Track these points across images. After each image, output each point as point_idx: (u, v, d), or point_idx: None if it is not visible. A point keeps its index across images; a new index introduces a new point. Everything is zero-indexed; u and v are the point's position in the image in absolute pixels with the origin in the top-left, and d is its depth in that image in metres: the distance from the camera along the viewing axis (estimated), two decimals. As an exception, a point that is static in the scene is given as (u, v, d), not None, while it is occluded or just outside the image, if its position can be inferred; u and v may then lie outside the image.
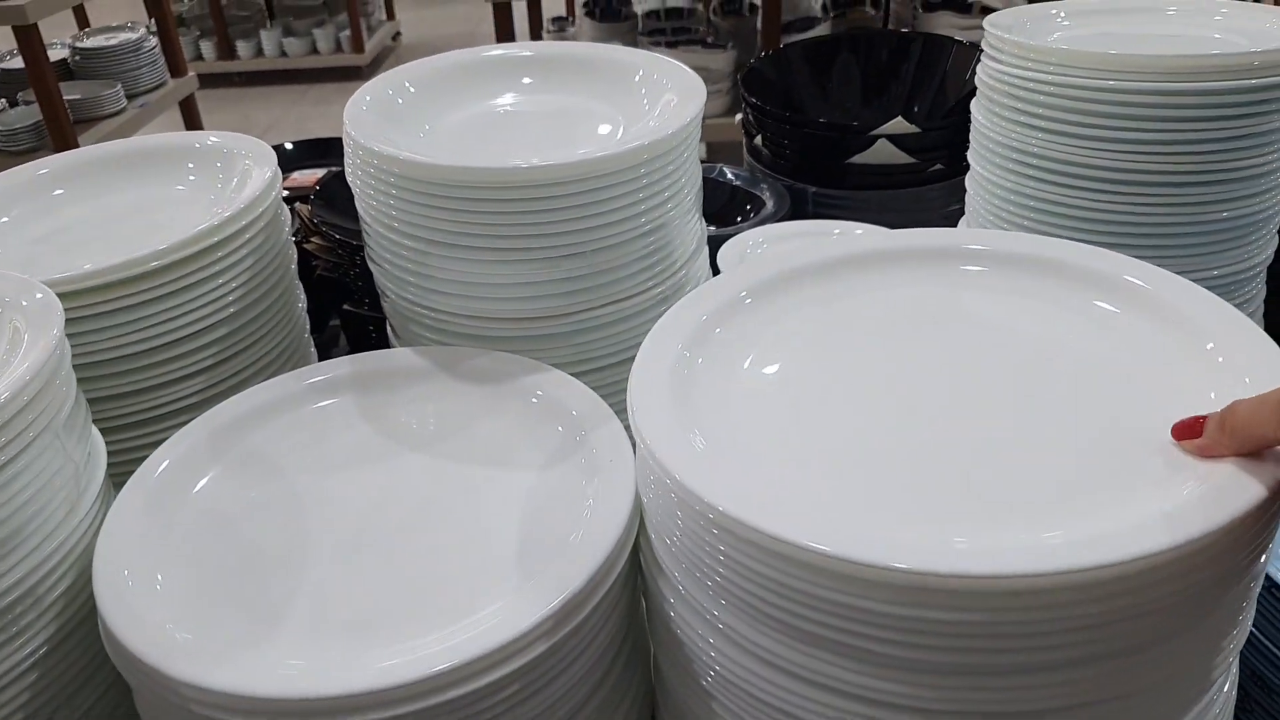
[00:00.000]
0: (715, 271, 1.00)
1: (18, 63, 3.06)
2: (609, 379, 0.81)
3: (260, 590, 0.60)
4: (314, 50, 5.28)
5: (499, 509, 0.65)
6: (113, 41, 3.36)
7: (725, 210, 1.30)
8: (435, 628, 0.56)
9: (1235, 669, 0.61)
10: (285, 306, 0.89)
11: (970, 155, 1.01)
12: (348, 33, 5.22)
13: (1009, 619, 0.47)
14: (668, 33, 2.97)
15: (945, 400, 0.59)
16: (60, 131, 2.85)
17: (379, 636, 0.56)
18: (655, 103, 0.86)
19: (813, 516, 0.48)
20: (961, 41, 1.44)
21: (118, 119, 3.18)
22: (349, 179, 0.83)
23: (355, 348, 1.16)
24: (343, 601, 0.59)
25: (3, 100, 3.12)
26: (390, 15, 5.84)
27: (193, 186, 0.92)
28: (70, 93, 3.07)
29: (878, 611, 0.48)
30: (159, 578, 0.60)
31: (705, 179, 0.89)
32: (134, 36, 3.40)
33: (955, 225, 1.09)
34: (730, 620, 0.54)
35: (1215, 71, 0.81)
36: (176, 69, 3.58)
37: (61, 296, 0.66)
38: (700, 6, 3.24)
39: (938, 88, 1.44)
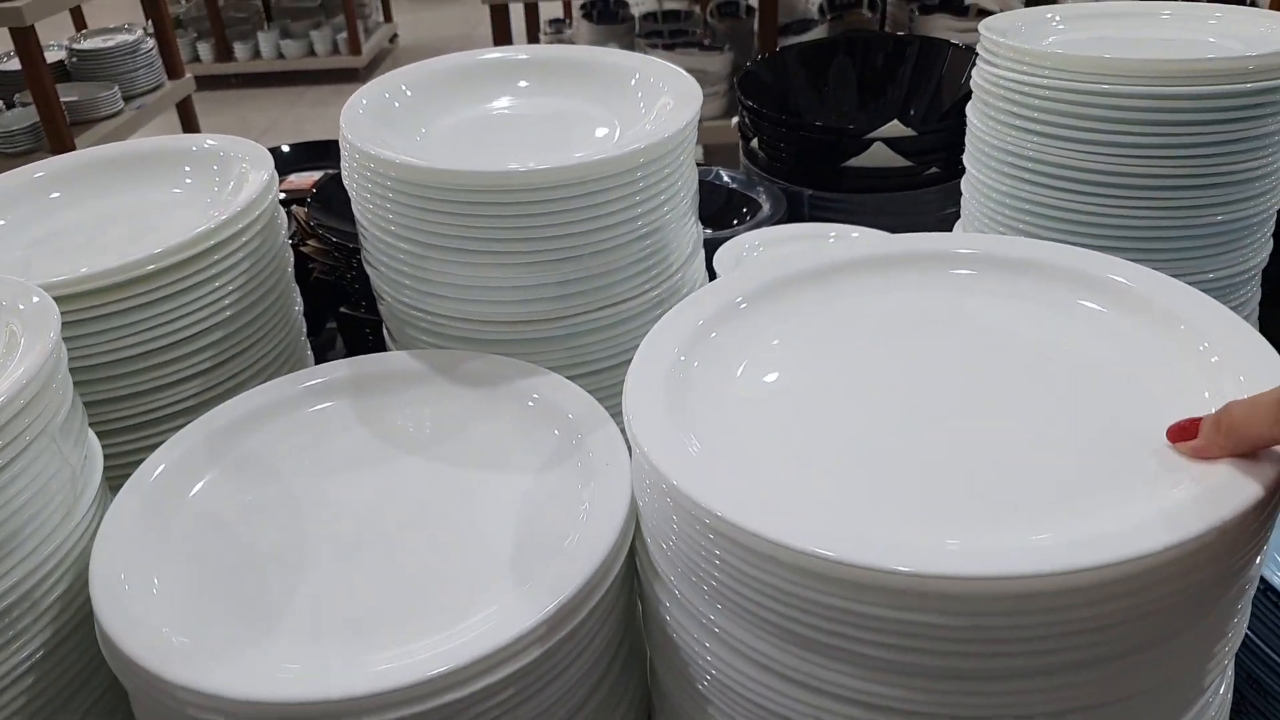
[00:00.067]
0: (712, 275, 1.00)
1: (15, 64, 3.05)
2: (605, 382, 0.81)
3: (257, 593, 0.60)
4: (311, 52, 5.28)
5: (495, 512, 0.65)
6: (110, 43, 3.36)
7: (721, 213, 1.30)
8: (431, 631, 0.56)
9: (1231, 672, 0.61)
10: (282, 310, 0.89)
11: (966, 159, 1.01)
12: (345, 35, 5.22)
13: (1005, 622, 0.47)
14: (665, 35, 2.97)
15: (941, 404, 0.59)
16: (57, 133, 2.85)
17: (375, 640, 0.56)
18: (651, 106, 0.87)
19: (808, 520, 0.48)
20: (958, 45, 1.44)
21: (115, 121, 3.18)
22: (345, 182, 0.83)
23: (352, 350, 1.16)
24: (339, 604, 0.59)
25: (0, 102, 3.12)
26: (387, 17, 5.84)
27: (189, 190, 0.92)
28: (67, 94, 3.07)
29: (874, 616, 0.48)
30: (155, 581, 0.60)
31: (701, 182, 0.89)
32: (131, 38, 3.39)
33: (951, 228, 1.09)
34: (726, 624, 0.54)
35: (1210, 75, 0.82)
36: (174, 71, 3.58)
37: (58, 299, 0.66)
38: (697, 9, 3.24)
39: (934, 91, 1.44)
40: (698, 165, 0.90)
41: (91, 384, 0.76)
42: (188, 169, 0.94)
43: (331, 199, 1.15)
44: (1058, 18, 1.02)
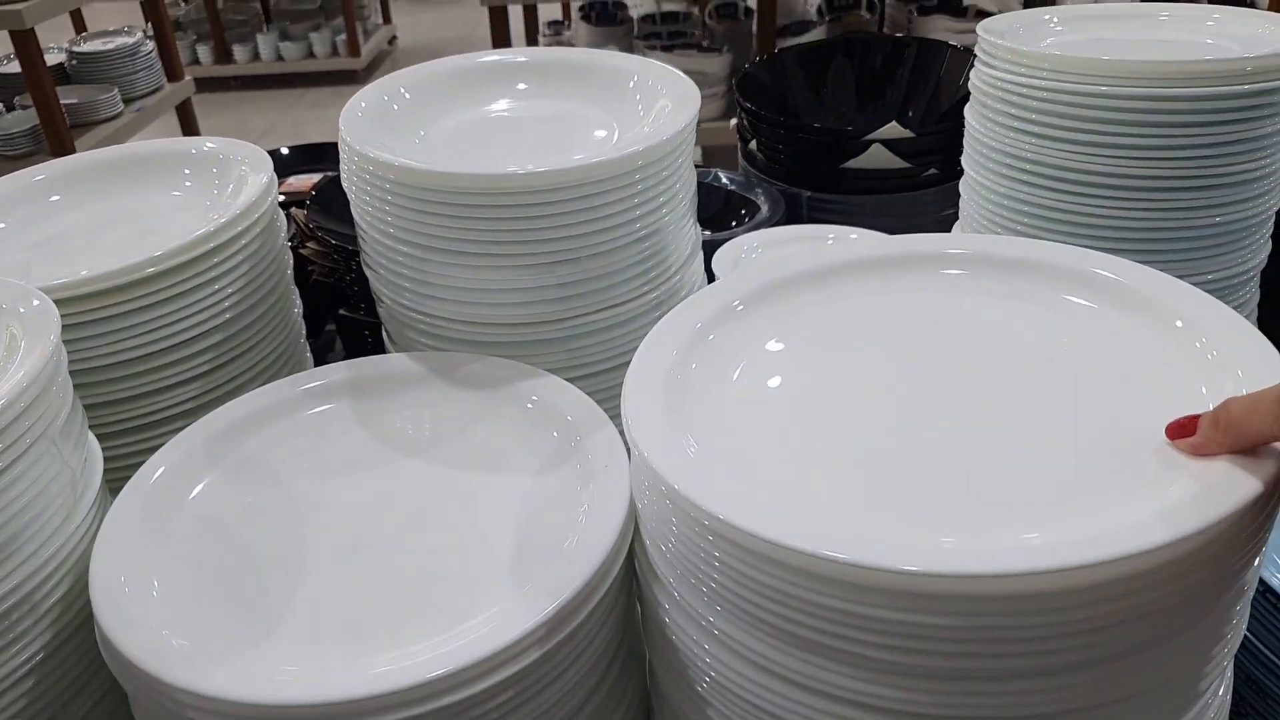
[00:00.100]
0: (710, 276, 1.00)
1: (14, 67, 3.05)
2: (604, 384, 0.81)
3: (256, 596, 0.60)
4: (310, 54, 5.28)
5: (494, 514, 0.65)
6: (109, 46, 3.36)
7: (720, 215, 1.30)
8: (430, 633, 0.56)
9: (1230, 673, 0.61)
10: (281, 312, 0.89)
11: (964, 160, 1.01)
12: (344, 37, 5.22)
13: (1004, 623, 0.47)
14: (663, 36, 2.97)
15: (939, 404, 0.59)
16: (57, 136, 2.85)
17: (374, 642, 0.56)
18: (650, 108, 0.87)
19: (807, 521, 0.49)
20: (956, 46, 1.44)
21: (114, 123, 3.18)
22: (344, 185, 0.84)
23: (351, 352, 1.16)
24: (339, 607, 0.59)
25: (0, 104, 3.12)
26: (386, 19, 5.84)
27: (189, 192, 0.93)
28: (67, 97, 3.07)
29: (872, 617, 0.48)
30: (155, 583, 0.60)
31: (700, 184, 0.89)
32: (131, 41, 3.39)
33: (949, 230, 1.09)
34: (725, 626, 0.55)
35: (1208, 77, 0.82)
36: (173, 73, 3.58)
37: (58, 302, 0.67)
38: (695, 10, 3.24)
39: (932, 93, 1.44)
40: (696, 167, 0.90)
41: (91, 386, 0.76)
42: (187, 172, 0.94)
43: (331, 201, 1.15)
44: (1055, 19, 1.02)
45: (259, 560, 0.63)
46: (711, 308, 0.67)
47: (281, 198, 0.90)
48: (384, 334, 0.92)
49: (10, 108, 3.12)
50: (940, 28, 2.79)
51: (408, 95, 0.91)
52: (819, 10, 3.12)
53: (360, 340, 1.12)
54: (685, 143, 0.81)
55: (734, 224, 1.27)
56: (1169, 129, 0.84)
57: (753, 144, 1.37)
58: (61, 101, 2.92)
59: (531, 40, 3.35)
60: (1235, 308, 0.92)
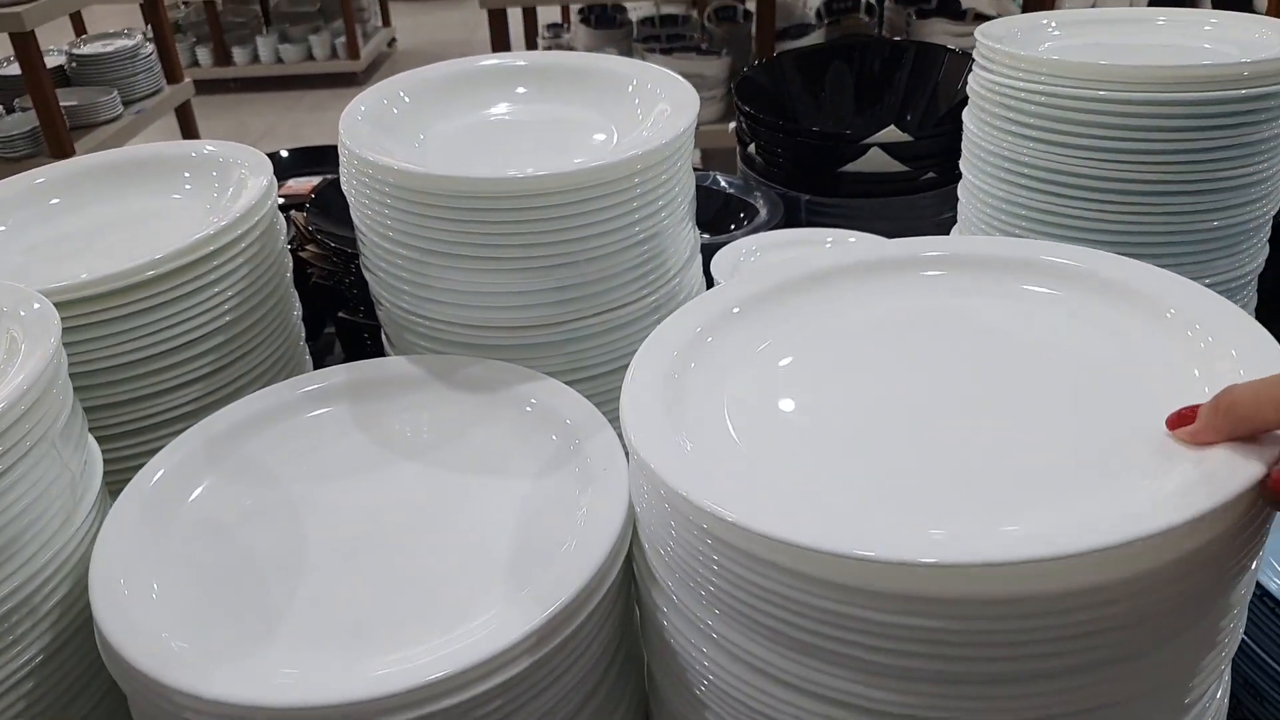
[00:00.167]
0: (709, 280, 1.00)
1: (14, 69, 3.05)
2: (603, 387, 0.81)
3: (255, 598, 0.60)
4: (310, 56, 5.29)
5: (493, 517, 0.65)
6: (109, 48, 3.36)
7: (719, 218, 1.30)
8: (429, 636, 0.56)
9: (1227, 676, 0.61)
10: (281, 315, 0.89)
11: (962, 164, 1.01)
12: (343, 39, 5.22)
13: (1002, 625, 0.47)
14: (662, 39, 2.98)
15: (937, 403, 0.59)
16: (56, 138, 2.85)
17: (373, 645, 0.56)
18: (649, 112, 0.87)
19: (805, 518, 0.48)
20: (954, 50, 1.44)
21: (114, 125, 3.18)
22: (344, 188, 0.84)
23: (350, 355, 1.16)
24: (337, 610, 0.59)
25: (0, 106, 3.12)
26: (386, 22, 5.84)
27: (189, 195, 0.93)
28: (67, 99, 3.07)
29: (870, 620, 0.48)
30: (155, 586, 0.60)
31: (698, 187, 0.89)
32: (130, 43, 3.39)
33: (948, 233, 1.09)
34: (724, 629, 0.55)
35: (1205, 81, 0.82)
36: (173, 75, 3.58)
37: (57, 305, 0.67)
38: (695, 13, 3.25)
39: (930, 96, 1.44)
40: (695, 170, 0.90)
41: (91, 389, 0.77)
42: (187, 175, 0.94)
43: (330, 204, 1.15)
44: (1053, 24, 1.02)
45: (258, 563, 0.63)
46: (710, 311, 0.67)
47: (281, 200, 0.90)
48: (383, 337, 0.92)
49: (10, 110, 3.12)
50: (939, 31, 2.80)
51: (407, 99, 0.91)
52: (818, 13, 3.13)
53: (359, 343, 1.12)
54: (684, 147, 0.81)
55: (733, 227, 1.28)
56: (1166, 134, 0.84)
57: (751, 147, 1.38)
58: (61, 103, 2.93)
59: (531, 43, 3.35)
60: (1233, 312, 0.93)
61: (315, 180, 1.41)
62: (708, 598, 0.55)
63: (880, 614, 0.48)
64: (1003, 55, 0.90)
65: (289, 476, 0.70)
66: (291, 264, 0.93)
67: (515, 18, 2.97)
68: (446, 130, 0.90)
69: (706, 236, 1.13)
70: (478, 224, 0.75)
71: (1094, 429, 0.55)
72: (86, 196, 0.94)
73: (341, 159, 0.82)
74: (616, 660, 0.64)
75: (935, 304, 0.68)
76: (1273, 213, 0.92)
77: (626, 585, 0.63)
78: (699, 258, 0.92)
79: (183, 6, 5.43)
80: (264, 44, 5.24)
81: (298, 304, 0.95)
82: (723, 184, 1.35)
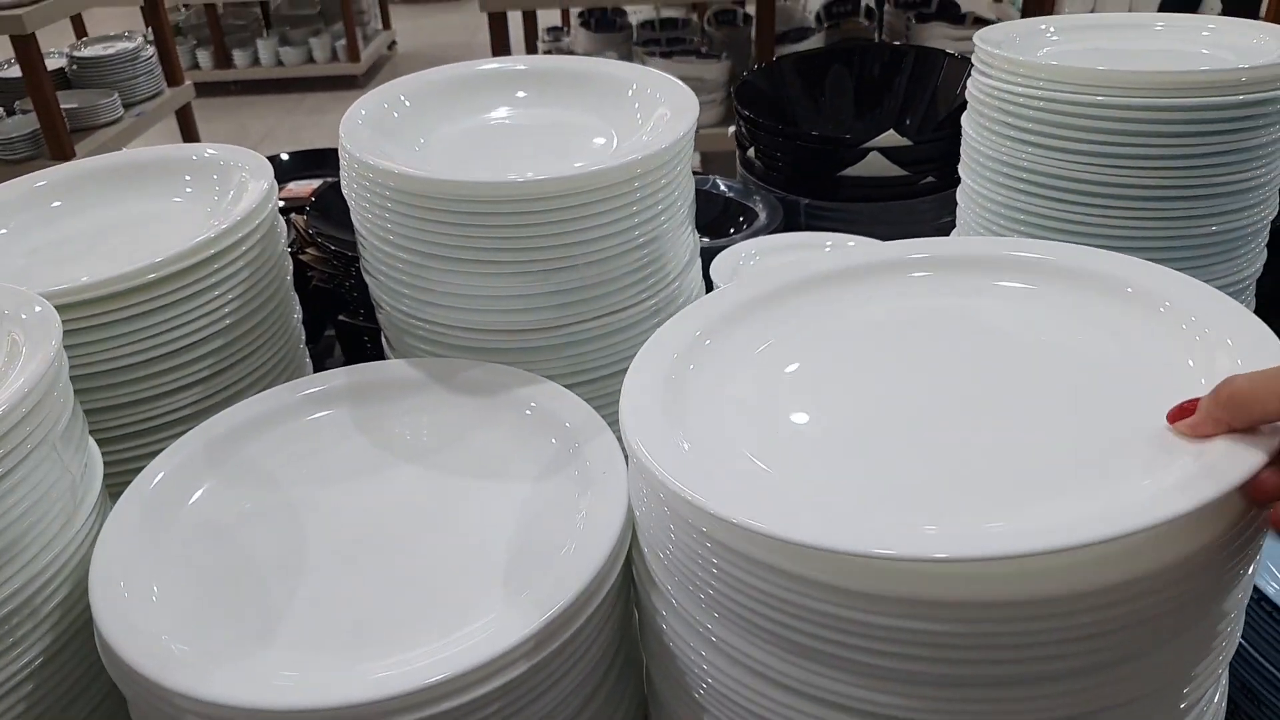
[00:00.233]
0: (708, 283, 1.00)
1: (15, 72, 3.05)
2: (602, 390, 0.81)
3: (255, 601, 0.61)
4: (310, 59, 5.29)
5: (492, 520, 0.65)
6: (110, 51, 3.36)
7: (718, 222, 1.30)
8: (428, 639, 0.56)
9: (1225, 680, 0.61)
10: (281, 318, 0.89)
11: (961, 168, 1.01)
12: (343, 42, 5.23)
13: (1001, 628, 0.47)
14: (662, 43, 2.98)
15: (936, 402, 0.59)
16: (57, 140, 2.86)
17: (372, 648, 0.56)
18: (649, 116, 0.87)
19: (806, 518, 0.48)
20: (953, 55, 1.45)
21: (114, 128, 3.18)
22: (344, 192, 0.84)
23: (350, 358, 1.16)
24: (337, 612, 0.59)
25: (0, 109, 3.12)
26: (386, 24, 5.85)
27: (189, 199, 0.93)
28: (67, 101, 3.07)
29: (869, 623, 0.48)
30: (155, 588, 0.61)
31: (698, 191, 0.89)
32: (131, 46, 3.40)
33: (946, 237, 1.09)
34: (723, 633, 0.55)
35: (1203, 87, 0.82)
36: (173, 78, 3.58)
37: (58, 308, 0.67)
38: (694, 17, 3.25)
39: (929, 101, 1.44)
40: (694, 174, 0.91)
41: (92, 392, 0.77)
42: (188, 178, 0.94)
43: (330, 207, 1.15)
44: (1052, 29, 1.03)
45: (258, 565, 0.63)
46: (709, 314, 0.67)
47: (281, 203, 0.91)
48: (383, 340, 0.92)
49: (10, 112, 3.12)
50: (938, 35, 2.80)
51: (407, 103, 0.91)
52: (817, 17, 3.13)
53: (359, 346, 1.12)
54: (684, 151, 0.82)
55: (732, 231, 1.28)
56: (1164, 139, 0.84)
57: (751, 151, 1.38)
58: (62, 106, 2.93)
59: (531, 46, 3.35)
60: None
61: (315, 183, 1.41)
62: (707, 601, 0.55)
63: (879, 617, 0.48)
64: (1001, 60, 0.90)
65: (289, 479, 0.70)
66: (292, 267, 0.93)
67: (515, 21, 2.97)
68: (447, 134, 0.91)
69: (706, 240, 1.13)
70: (478, 228, 0.75)
71: (1093, 426, 0.54)
72: (88, 199, 0.94)
73: (342, 162, 0.83)
74: (615, 663, 0.64)
75: (933, 304, 0.68)
76: (1270, 218, 0.92)
77: (626, 589, 0.64)
78: (698, 261, 0.93)
79: (183, 9, 5.43)
80: (264, 47, 5.24)
81: (298, 307, 0.95)
82: (722, 188, 1.35)
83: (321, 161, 1.55)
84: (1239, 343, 0.56)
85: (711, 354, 0.64)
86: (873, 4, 3.10)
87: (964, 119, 0.99)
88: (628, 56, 2.89)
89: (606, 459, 0.67)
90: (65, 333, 0.65)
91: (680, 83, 0.89)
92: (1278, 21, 1.89)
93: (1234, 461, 0.47)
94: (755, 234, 1.20)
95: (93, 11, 4.28)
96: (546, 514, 0.65)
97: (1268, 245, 0.95)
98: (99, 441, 0.72)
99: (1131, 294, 0.63)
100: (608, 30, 3.12)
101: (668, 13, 3.23)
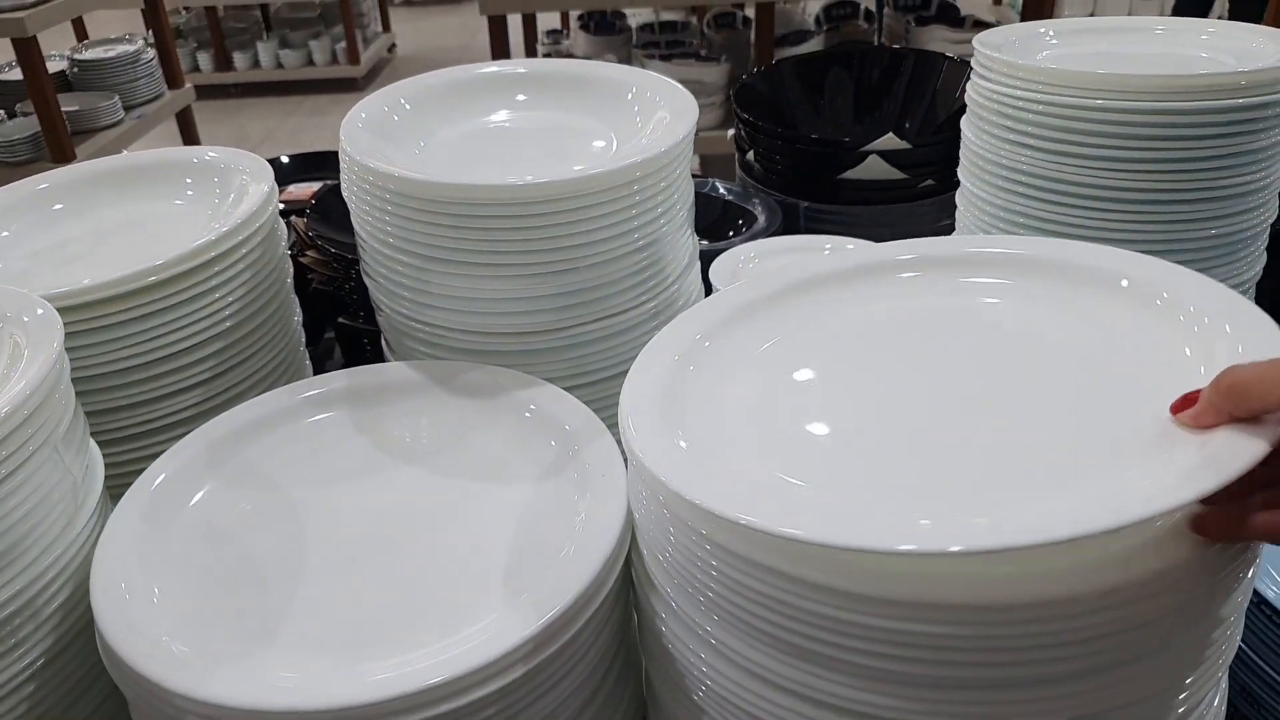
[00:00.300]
0: (707, 286, 1.00)
1: (16, 74, 3.06)
2: (602, 393, 0.81)
3: (256, 602, 0.61)
4: (310, 62, 5.30)
5: (492, 523, 0.66)
6: (111, 53, 3.36)
7: (717, 225, 1.30)
8: (428, 641, 0.56)
9: (1225, 684, 0.61)
10: (281, 320, 0.89)
11: (960, 172, 1.01)
12: (343, 45, 5.24)
13: (999, 631, 0.47)
14: (661, 46, 2.98)
15: (936, 400, 0.59)
16: (58, 143, 2.86)
17: (372, 650, 0.57)
18: (648, 120, 0.87)
19: (805, 515, 0.48)
20: (953, 58, 1.45)
21: (115, 130, 3.18)
22: (345, 194, 0.84)
23: (350, 360, 1.16)
24: (337, 614, 0.60)
25: (1, 111, 3.12)
26: (386, 27, 5.85)
27: (190, 201, 0.93)
28: (68, 104, 3.07)
29: (868, 625, 0.48)
30: (156, 590, 0.61)
31: (697, 194, 0.90)
32: (132, 48, 3.40)
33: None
34: (722, 635, 0.55)
35: (1203, 91, 0.82)
36: (174, 80, 3.58)
37: (60, 310, 0.67)
38: (694, 20, 3.26)
39: (929, 104, 1.45)
40: (694, 177, 0.91)
41: (93, 394, 0.77)
42: (189, 181, 0.94)
43: (330, 210, 1.15)
44: (1051, 33, 1.03)
45: (258, 567, 0.63)
46: (709, 316, 0.67)
47: (281, 206, 0.91)
48: (383, 342, 0.92)
49: (11, 114, 3.12)
50: (938, 38, 2.80)
51: (408, 106, 0.91)
52: (817, 20, 3.14)
53: (359, 348, 1.13)
54: (683, 154, 0.82)
55: (731, 234, 1.28)
56: (1164, 142, 0.84)
57: (750, 154, 1.38)
58: (63, 108, 2.93)
59: (530, 49, 3.35)
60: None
61: (315, 185, 1.42)
62: (706, 603, 0.55)
63: (878, 620, 0.48)
64: (1001, 64, 0.90)
65: (289, 481, 0.71)
66: (292, 269, 0.93)
67: (515, 24, 2.97)
68: (447, 137, 0.91)
69: (705, 243, 1.14)
70: (478, 230, 0.75)
71: (1094, 419, 0.54)
72: (89, 202, 0.94)
73: (342, 165, 0.83)
74: (614, 666, 0.64)
75: (930, 303, 0.68)
76: (1270, 221, 0.92)
77: (625, 591, 0.64)
78: (698, 264, 0.93)
79: (184, 12, 5.44)
80: (264, 49, 5.25)
81: (298, 309, 0.95)
82: (721, 191, 1.36)
83: (321, 164, 1.55)
84: (1238, 332, 0.55)
85: (711, 355, 0.64)
86: (872, 7, 3.11)
87: (963, 122, 1.00)
88: (627, 59, 2.89)
89: (606, 461, 0.67)
90: (67, 335, 0.66)
91: (680, 86, 0.89)
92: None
93: (1236, 452, 0.46)
94: (754, 237, 1.20)
95: (93, 14, 4.28)
96: (546, 516, 0.65)
97: (1267, 248, 0.95)
98: (100, 443, 0.72)
99: (1127, 287, 0.63)
100: (607, 33, 3.13)
101: (667, 15, 3.23)
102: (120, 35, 3.59)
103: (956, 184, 1.03)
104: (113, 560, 0.62)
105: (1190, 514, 0.48)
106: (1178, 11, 3.61)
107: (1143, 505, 0.44)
